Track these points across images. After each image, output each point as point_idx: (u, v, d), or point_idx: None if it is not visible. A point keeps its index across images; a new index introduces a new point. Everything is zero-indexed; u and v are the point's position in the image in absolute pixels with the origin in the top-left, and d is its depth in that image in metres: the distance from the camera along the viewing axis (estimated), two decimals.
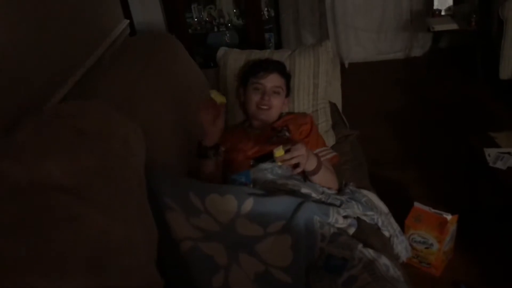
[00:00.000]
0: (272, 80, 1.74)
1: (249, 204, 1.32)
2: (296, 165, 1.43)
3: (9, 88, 1.37)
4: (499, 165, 1.74)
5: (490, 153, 1.81)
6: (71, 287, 0.81)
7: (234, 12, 3.59)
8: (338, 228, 1.37)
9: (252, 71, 1.78)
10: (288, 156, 1.39)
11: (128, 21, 2.48)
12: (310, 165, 1.48)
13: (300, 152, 1.40)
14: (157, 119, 1.53)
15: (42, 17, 1.58)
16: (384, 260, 1.26)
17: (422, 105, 3.10)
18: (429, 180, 2.32)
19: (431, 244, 1.77)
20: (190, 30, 3.52)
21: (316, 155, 1.54)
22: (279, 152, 1.38)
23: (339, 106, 2.18)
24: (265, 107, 1.72)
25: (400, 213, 1.74)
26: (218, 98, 1.49)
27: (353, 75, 3.61)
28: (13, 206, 0.92)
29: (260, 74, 1.74)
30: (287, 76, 1.81)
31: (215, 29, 3.59)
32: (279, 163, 1.43)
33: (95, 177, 1.05)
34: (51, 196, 0.96)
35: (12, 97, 1.38)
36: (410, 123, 2.91)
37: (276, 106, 1.75)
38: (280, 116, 1.81)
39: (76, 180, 1.01)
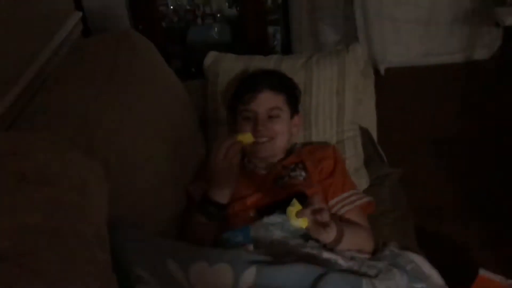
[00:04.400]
0: (264, 102, 1.81)
1: (250, 276, 1.37)
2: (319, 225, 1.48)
3: None
4: None
5: None
6: None
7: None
8: None
9: (237, 95, 1.89)
10: (308, 210, 1.42)
11: (81, 13, 2.57)
12: (328, 236, 1.49)
13: (323, 205, 1.45)
14: (124, 155, 1.59)
15: None
16: None
17: (490, 130, 3.22)
18: (497, 239, 2.41)
19: None
20: (163, 23, 3.66)
21: (336, 219, 1.55)
22: (296, 206, 1.43)
23: (374, 133, 2.27)
24: (263, 139, 1.79)
25: (460, 284, 1.80)
26: (246, 138, 1.56)
27: (391, 86, 3.74)
28: None
29: (246, 97, 1.82)
30: (285, 88, 1.88)
31: (199, 21, 3.73)
32: (299, 224, 1.46)
33: (38, 239, 1.11)
34: None
35: None
36: (473, 156, 3.02)
37: (280, 132, 1.82)
38: (292, 149, 1.88)
39: (13, 242, 1.07)
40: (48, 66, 2.07)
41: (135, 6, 3.55)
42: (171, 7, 3.74)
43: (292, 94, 1.90)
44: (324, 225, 1.46)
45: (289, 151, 1.88)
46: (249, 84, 1.86)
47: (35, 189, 1.20)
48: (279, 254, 1.48)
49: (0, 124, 1.67)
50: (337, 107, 2.01)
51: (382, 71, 3.94)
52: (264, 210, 1.65)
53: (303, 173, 1.76)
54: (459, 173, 2.89)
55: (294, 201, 1.45)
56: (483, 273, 1.90)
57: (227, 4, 3.74)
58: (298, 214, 1.44)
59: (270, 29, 3.78)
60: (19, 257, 1.06)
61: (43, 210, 1.15)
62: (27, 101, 1.81)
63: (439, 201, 2.66)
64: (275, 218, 1.59)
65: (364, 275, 1.48)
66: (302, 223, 1.45)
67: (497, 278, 1.87)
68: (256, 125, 1.78)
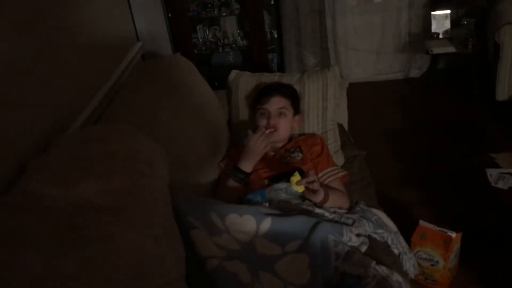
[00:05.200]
0: (275, 103, 1.80)
1: (267, 223, 1.38)
2: (311, 191, 1.48)
3: (32, 113, 1.39)
4: (501, 185, 1.81)
5: (492, 173, 1.88)
6: None
7: (238, 33, 3.70)
8: (351, 247, 1.42)
9: (257, 98, 1.87)
10: (304, 180, 1.44)
11: (141, 43, 2.54)
12: (317, 198, 1.51)
13: (314, 178, 1.46)
14: (177, 141, 1.59)
15: (62, 45, 1.64)
16: (396, 277, 1.32)
17: (421, 125, 3.19)
18: (431, 199, 2.39)
19: (437, 261, 1.82)
20: (195, 50, 3.62)
21: (323, 186, 1.56)
22: (296, 177, 1.44)
23: (346, 127, 2.25)
24: (271, 129, 1.78)
25: (405, 231, 1.79)
26: (299, 187, 1.47)
27: (354, 95, 3.67)
28: (54, 225, 0.98)
29: (263, 99, 1.82)
30: (291, 96, 1.86)
31: (220, 50, 3.70)
32: (298, 189, 1.47)
33: (126, 198, 1.11)
34: (88, 216, 1.02)
35: (36, 122, 1.40)
36: (410, 142, 2.99)
37: (283, 127, 1.80)
38: (292, 138, 1.88)
39: (109, 201, 1.07)
40: (119, 81, 2.06)
41: (175, 38, 3.53)
42: (200, 39, 3.70)
43: (295, 100, 1.88)
44: (314, 191, 1.49)
45: (290, 139, 1.87)
46: (265, 91, 1.85)
47: (120, 164, 1.20)
48: (285, 209, 1.49)
49: (88, 123, 1.67)
50: (322, 109, 1.98)
51: (347, 85, 3.85)
52: (274, 179, 1.65)
53: (300, 154, 1.76)
54: (401, 153, 2.87)
55: (296, 173, 1.45)
56: (422, 223, 1.90)
57: (240, 38, 3.70)
58: (297, 183, 1.45)
59: (269, 56, 3.74)
60: (114, 210, 1.06)
61: (129, 177, 1.15)
62: (105, 107, 1.80)
63: (388, 172, 2.65)
64: (281, 185, 1.59)
65: (344, 223, 1.49)
66: (299, 188, 1.47)
67: (431, 226, 1.87)
68: (268, 119, 1.78)
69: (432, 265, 1.84)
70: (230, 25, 3.71)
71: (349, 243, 1.42)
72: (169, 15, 3.49)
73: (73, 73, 1.67)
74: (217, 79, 3.52)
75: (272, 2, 3.62)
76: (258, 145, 1.65)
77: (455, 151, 2.75)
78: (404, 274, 1.49)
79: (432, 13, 3.42)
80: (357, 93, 3.71)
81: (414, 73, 3.90)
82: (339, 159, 1.95)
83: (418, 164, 2.75)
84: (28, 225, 0.96)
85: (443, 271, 1.83)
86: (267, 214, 1.40)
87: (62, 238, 0.94)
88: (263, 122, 1.78)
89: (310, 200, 1.55)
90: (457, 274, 1.93)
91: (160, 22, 3.44)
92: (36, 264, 0.86)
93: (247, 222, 1.37)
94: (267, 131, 1.73)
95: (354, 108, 3.09)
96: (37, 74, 1.43)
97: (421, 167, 2.71)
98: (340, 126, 2.16)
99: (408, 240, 1.78)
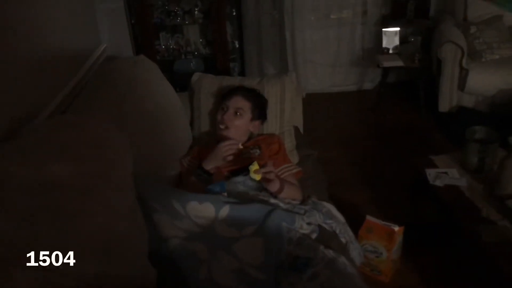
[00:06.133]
0: (234, 102, 1.90)
1: (225, 210, 1.47)
2: (268, 180, 1.61)
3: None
4: (438, 182, 2.00)
5: (431, 173, 2.07)
6: (84, 270, 0.94)
7: (201, 42, 3.81)
8: (303, 234, 1.54)
9: (223, 96, 1.98)
10: (262, 169, 1.56)
11: (105, 45, 2.60)
12: (274, 186, 1.65)
13: (271, 169, 1.59)
14: (141, 134, 1.67)
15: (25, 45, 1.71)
16: (342, 259, 1.45)
17: (372, 132, 3.40)
18: (378, 198, 2.56)
19: (381, 253, 1.98)
20: (158, 57, 3.68)
21: (279, 177, 1.71)
22: (254, 166, 1.56)
23: (301, 129, 2.38)
24: (222, 126, 1.88)
25: (354, 226, 1.94)
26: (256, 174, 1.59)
27: (310, 105, 3.85)
28: (25, 200, 1.04)
29: (227, 96, 1.93)
30: (253, 100, 1.94)
31: (182, 57, 3.78)
32: (256, 177, 1.59)
33: (96, 180, 1.18)
34: (59, 195, 1.09)
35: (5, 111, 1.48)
36: (362, 148, 3.17)
37: (235, 126, 1.88)
38: (251, 137, 1.99)
39: (80, 181, 1.14)
40: (86, 77, 2.12)
41: (138, 44, 3.59)
42: (163, 46, 3.78)
43: (256, 105, 1.95)
44: (269, 180, 1.60)
45: (249, 138, 1.97)
46: (231, 89, 1.96)
47: (90, 149, 1.26)
48: (242, 199, 1.59)
49: (56, 112, 1.72)
50: (280, 111, 2.10)
51: (304, 95, 3.99)
52: (233, 173, 1.75)
53: (258, 151, 1.85)
54: (353, 158, 3.03)
55: (255, 162, 1.57)
56: (369, 218, 2.05)
57: (201, 45, 3.80)
58: (256, 171, 1.57)
59: (231, 64, 3.85)
60: (85, 190, 1.13)
61: (98, 162, 1.22)
62: (72, 99, 1.86)
63: (341, 175, 2.80)
64: (239, 178, 1.69)
65: (296, 213, 1.61)
66: (257, 177, 1.58)
67: (377, 221, 2.01)
68: (223, 115, 1.89)
69: (377, 256, 1.99)
70: (193, 33, 3.81)
71: (301, 231, 1.54)
72: (132, 21, 3.56)
73: (35, 72, 1.73)
74: (179, 85, 3.54)
75: (234, 14, 3.75)
76: (225, 152, 1.75)
77: (402, 156, 2.95)
78: (351, 261, 1.62)
79: (383, 29, 3.67)
80: (314, 103, 3.90)
81: (367, 85, 4.10)
82: (294, 158, 2.07)
83: (368, 168, 2.92)
84: None
85: (387, 262, 1.99)
86: (226, 202, 1.50)
87: (32, 212, 1.00)
88: (219, 116, 1.89)
89: (267, 191, 1.66)
90: (400, 266, 2.09)
91: (123, 28, 3.50)
92: (7, 228, 0.92)
93: (207, 209, 1.45)
94: (233, 141, 1.81)
95: (311, 117, 3.27)
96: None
97: (371, 170, 2.89)
98: (296, 128, 2.29)
99: (356, 233, 1.92)
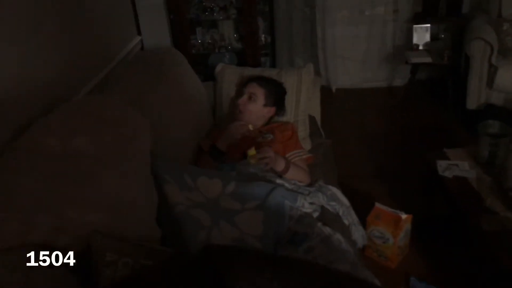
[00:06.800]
0: (249, 88, 2.03)
1: (232, 186, 1.61)
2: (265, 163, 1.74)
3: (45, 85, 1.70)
4: (447, 174, 2.05)
5: (441, 164, 2.12)
6: (98, 221, 1.11)
7: (234, 37, 3.96)
8: (305, 212, 1.66)
9: (243, 83, 2.12)
10: (257, 155, 1.70)
11: (140, 37, 2.81)
12: (279, 165, 1.77)
13: (267, 153, 1.71)
14: (165, 119, 1.83)
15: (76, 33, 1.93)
16: (338, 236, 1.55)
17: (396, 129, 3.41)
18: (394, 192, 2.60)
19: (388, 239, 2.05)
20: (193, 50, 3.86)
21: (285, 159, 1.82)
22: (251, 151, 1.70)
23: (318, 119, 2.48)
24: (237, 110, 2.02)
25: (365, 214, 2.03)
26: (252, 156, 1.77)
27: (339, 99, 3.94)
28: (51, 165, 1.22)
29: (245, 82, 2.07)
30: (268, 87, 2.05)
31: (216, 51, 3.95)
32: (251, 161, 1.73)
33: (113, 152, 1.35)
34: (80, 161, 1.27)
35: (48, 92, 1.70)
36: (383, 144, 3.21)
37: (249, 111, 2.00)
38: (268, 122, 2.11)
39: (99, 151, 1.32)
40: (120, 65, 2.32)
41: (176, 38, 3.79)
42: (199, 40, 3.96)
43: (271, 92, 2.05)
44: (264, 163, 1.74)
45: (266, 124, 2.09)
46: (250, 77, 2.11)
47: (109, 126, 1.44)
48: (250, 179, 1.73)
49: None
50: (295, 101, 2.21)
51: (334, 90, 4.09)
52: (245, 155, 1.89)
53: (271, 136, 1.98)
54: (375, 153, 3.06)
55: (252, 148, 1.72)
56: (377, 205, 2.13)
57: (235, 41, 3.95)
58: (251, 156, 1.73)
59: (262, 59, 3.94)
60: (100, 157, 1.30)
61: (114, 137, 1.39)
62: (106, 82, 2.07)
63: (359, 168, 2.86)
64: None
65: (300, 193, 1.73)
66: (253, 161, 1.74)
67: (385, 208, 2.10)
68: (237, 99, 2.03)
69: (384, 242, 2.07)
70: (227, 29, 3.96)
71: (303, 209, 1.65)
72: (171, 16, 3.77)
73: (75, 57, 1.95)
74: (213, 78, 3.75)
75: (267, 10, 3.88)
76: (236, 131, 1.89)
77: (424, 152, 2.96)
78: (351, 240, 1.72)
79: (414, 26, 3.67)
80: (343, 98, 3.97)
81: (397, 82, 4.10)
82: (307, 145, 2.18)
83: (386, 163, 2.96)
84: (29, 164, 1.21)
85: (393, 248, 2.06)
86: (233, 179, 1.64)
87: (56, 174, 1.18)
88: (236, 100, 2.03)
89: (275, 173, 1.79)
90: (407, 254, 2.15)
91: (163, 22, 3.71)
92: (36, 187, 1.11)
93: (215, 184, 1.60)
94: (243, 123, 1.97)
95: (338, 111, 3.36)
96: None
97: (389, 165, 2.92)
98: (312, 117, 2.39)
99: (364, 220, 2.01)
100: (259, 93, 2.03)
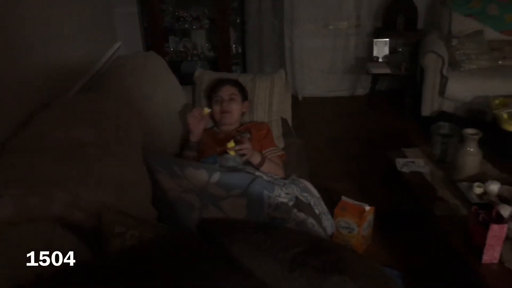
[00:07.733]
0: (225, 90, 2.20)
1: (216, 176, 1.78)
2: (243, 155, 1.91)
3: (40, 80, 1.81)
4: (404, 169, 2.30)
5: (400, 161, 2.37)
6: (102, 199, 1.24)
7: (206, 46, 4.14)
8: (281, 202, 1.83)
9: (211, 89, 2.29)
10: (237, 147, 1.87)
11: (120, 43, 2.94)
12: (255, 159, 1.95)
13: (244, 146, 1.89)
14: (151, 115, 1.98)
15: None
16: (311, 220, 1.75)
17: (361, 134, 3.68)
18: (359, 187, 2.84)
19: (353, 229, 2.26)
20: (167, 58, 3.99)
21: (261, 153, 2.01)
22: (230, 144, 1.88)
23: (289, 121, 2.67)
24: (226, 113, 2.19)
25: (333, 207, 2.23)
26: (205, 111, 2.03)
27: (306, 107, 4.18)
28: (56, 153, 1.35)
29: (216, 89, 2.23)
30: (237, 85, 2.25)
31: (189, 59, 4.11)
32: (231, 152, 1.90)
33: (112, 140, 1.49)
34: (84, 149, 1.40)
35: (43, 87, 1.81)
36: (351, 146, 3.47)
37: (235, 109, 2.19)
38: (243, 123, 2.29)
39: (99, 140, 1.45)
40: (103, 68, 2.44)
41: (149, 46, 3.92)
42: (172, 48, 4.10)
43: (241, 88, 2.26)
44: (242, 155, 1.91)
45: (241, 124, 2.27)
46: (217, 82, 2.27)
47: (108, 118, 1.58)
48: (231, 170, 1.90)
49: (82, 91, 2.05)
50: (268, 103, 2.39)
51: (300, 98, 4.31)
52: (225, 152, 2.05)
53: (248, 135, 2.15)
54: (340, 155, 3.31)
55: (231, 140, 1.89)
56: (344, 198, 2.33)
57: (207, 49, 4.12)
58: (230, 148, 1.89)
59: (233, 68, 4.13)
60: (102, 146, 1.43)
61: (112, 127, 1.53)
62: (92, 84, 2.19)
63: (329, 170, 3.08)
64: (230, 155, 1.99)
65: (277, 184, 1.91)
66: (232, 152, 1.91)
67: (351, 201, 2.31)
68: (221, 104, 2.19)
69: (349, 232, 2.27)
70: (200, 38, 4.14)
71: (279, 198, 1.83)
72: (145, 24, 3.90)
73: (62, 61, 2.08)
74: (185, 84, 3.88)
75: (238, 21, 4.09)
76: (190, 119, 2.07)
77: (385, 153, 3.23)
78: (323, 228, 1.91)
79: (374, 39, 3.98)
80: (309, 106, 4.22)
81: (359, 91, 4.40)
82: (280, 143, 2.36)
83: (352, 163, 3.20)
84: (40, 149, 1.33)
85: (358, 237, 2.26)
86: (217, 170, 1.80)
87: (62, 161, 1.31)
88: (217, 107, 2.19)
89: (251, 164, 1.96)
90: (371, 243, 2.37)
91: (136, 30, 3.84)
92: (47, 167, 1.23)
93: (201, 174, 1.76)
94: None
95: (305, 118, 3.57)
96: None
97: (355, 165, 3.17)
98: (284, 120, 2.58)
99: (332, 212, 2.21)
100: (236, 91, 2.21)
